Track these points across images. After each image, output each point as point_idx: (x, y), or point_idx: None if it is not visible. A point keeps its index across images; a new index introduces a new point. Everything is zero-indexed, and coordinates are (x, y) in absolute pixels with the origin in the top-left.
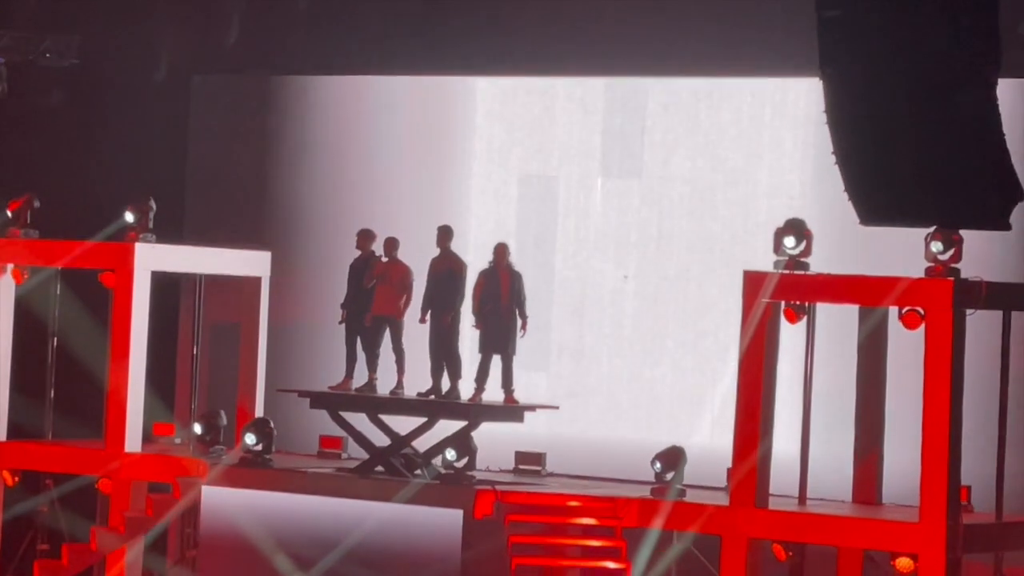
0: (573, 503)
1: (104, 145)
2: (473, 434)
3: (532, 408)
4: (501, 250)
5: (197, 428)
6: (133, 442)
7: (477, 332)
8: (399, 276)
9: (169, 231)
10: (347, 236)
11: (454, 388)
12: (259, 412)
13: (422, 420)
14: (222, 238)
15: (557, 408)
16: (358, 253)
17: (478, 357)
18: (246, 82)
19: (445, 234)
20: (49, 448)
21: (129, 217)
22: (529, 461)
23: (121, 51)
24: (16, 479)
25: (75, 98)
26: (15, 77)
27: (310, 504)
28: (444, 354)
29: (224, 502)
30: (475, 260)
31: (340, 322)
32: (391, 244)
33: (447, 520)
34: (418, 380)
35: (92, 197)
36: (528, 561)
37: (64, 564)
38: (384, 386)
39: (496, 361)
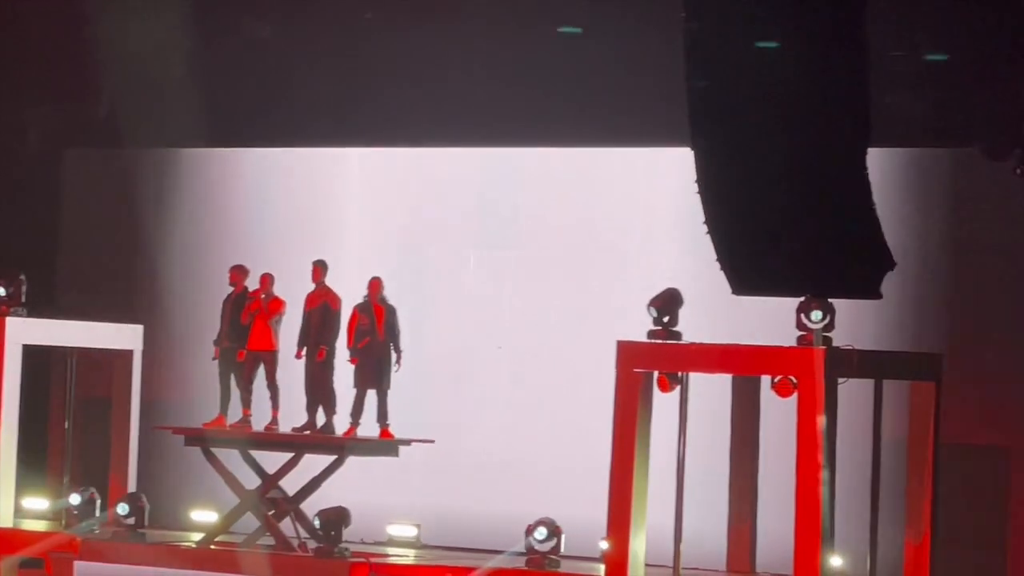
0: (448, 575)
1: None
2: (346, 505)
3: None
4: (375, 285)
5: (70, 501)
6: (4, 517)
7: (352, 367)
8: (275, 311)
9: (40, 305)
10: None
11: (329, 423)
12: (131, 487)
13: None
14: (94, 312)
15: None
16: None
17: (353, 392)
18: (118, 155)
19: (320, 269)
20: None
21: (1, 290)
22: (403, 532)
23: None
24: None
25: None
26: None
27: None
28: (319, 389)
29: None
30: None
31: (213, 358)
32: (267, 280)
33: None
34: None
35: None
36: None
37: None
38: (258, 422)
39: (371, 396)
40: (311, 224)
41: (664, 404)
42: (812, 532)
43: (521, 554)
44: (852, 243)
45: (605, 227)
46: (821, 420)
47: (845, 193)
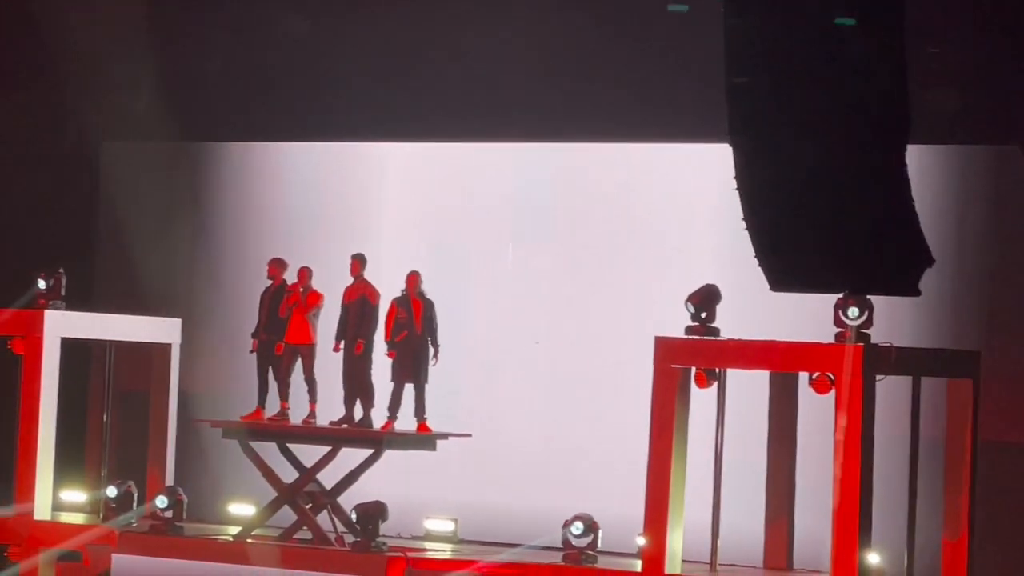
0: (484, 569)
1: (13, 212)
2: (383, 499)
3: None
4: (413, 279)
5: (108, 493)
6: (42, 510)
7: (390, 360)
8: (313, 305)
9: (79, 298)
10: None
11: (366, 417)
12: (169, 480)
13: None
14: (132, 305)
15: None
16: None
17: (391, 386)
18: (156, 148)
19: (358, 263)
20: None
21: (41, 284)
22: (440, 527)
23: (30, 117)
24: None
25: None
26: None
27: (221, 572)
28: (357, 383)
29: (134, 570)
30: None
31: (251, 351)
32: (305, 273)
33: None
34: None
35: (1, 265)
36: None
37: None
38: (296, 416)
39: (409, 390)
40: (349, 218)
41: (702, 400)
42: (850, 529)
43: (557, 549)
44: (890, 240)
45: (643, 223)
46: (858, 417)
47: (884, 190)
